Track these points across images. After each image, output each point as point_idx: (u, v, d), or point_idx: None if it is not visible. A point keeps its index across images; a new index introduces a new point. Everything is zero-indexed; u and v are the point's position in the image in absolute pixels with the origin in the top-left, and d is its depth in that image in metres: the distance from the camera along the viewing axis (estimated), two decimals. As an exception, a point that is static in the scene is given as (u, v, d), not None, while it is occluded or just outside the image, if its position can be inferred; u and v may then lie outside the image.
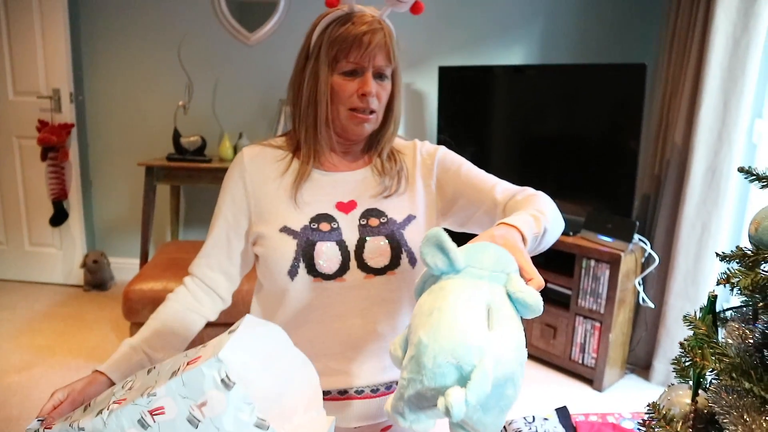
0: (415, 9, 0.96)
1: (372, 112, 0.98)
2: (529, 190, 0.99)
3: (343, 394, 1.01)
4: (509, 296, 0.66)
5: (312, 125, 1.01)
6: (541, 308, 0.65)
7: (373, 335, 1.00)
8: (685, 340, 0.75)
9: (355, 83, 0.96)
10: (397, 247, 0.98)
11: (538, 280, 0.71)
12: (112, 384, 0.94)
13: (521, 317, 0.66)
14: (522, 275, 0.71)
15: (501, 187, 1.01)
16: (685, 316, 0.75)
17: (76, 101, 3.29)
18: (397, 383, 1.03)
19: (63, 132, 3.19)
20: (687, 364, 0.77)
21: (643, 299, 2.47)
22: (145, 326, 1.01)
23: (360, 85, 0.95)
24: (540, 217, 0.87)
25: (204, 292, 1.06)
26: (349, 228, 0.99)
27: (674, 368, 0.80)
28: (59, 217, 3.30)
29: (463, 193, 1.04)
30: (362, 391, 1.01)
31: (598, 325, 2.38)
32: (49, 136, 3.12)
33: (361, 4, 0.97)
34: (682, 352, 0.74)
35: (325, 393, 0.99)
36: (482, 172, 1.06)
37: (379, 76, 0.97)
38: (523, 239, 0.79)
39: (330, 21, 0.97)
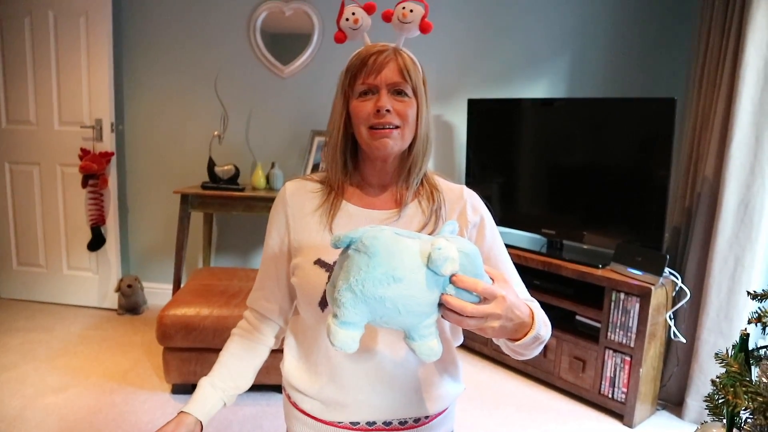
0: (423, 29, 1.00)
1: (395, 127, 0.98)
2: (536, 304, 0.98)
3: (371, 425, 1.02)
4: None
5: (332, 154, 1.06)
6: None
7: (401, 369, 1.00)
8: (717, 378, 0.75)
9: (371, 102, 0.98)
10: None
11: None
12: (199, 423, 1.01)
13: None
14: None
15: (517, 290, 1.01)
16: (716, 354, 0.75)
17: (117, 131, 3.43)
18: (426, 417, 1.05)
19: (103, 160, 3.31)
20: (720, 402, 0.77)
21: (674, 334, 2.44)
22: (218, 363, 1.09)
23: (374, 102, 0.98)
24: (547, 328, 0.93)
25: (263, 323, 1.13)
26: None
27: (707, 405, 0.80)
28: (97, 242, 3.40)
29: None
30: (390, 423, 1.02)
31: (628, 359, 2.35)
32: (90, 164, 3.25)
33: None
34: (714, 390, 0.75)
35: (354, 423, 1.02)
36: (508, 261, 1.07)
37: (397, 92, 0.99)
38: (533, 318, 0.87)
39: (350, 58, 1.03)
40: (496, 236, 1.07)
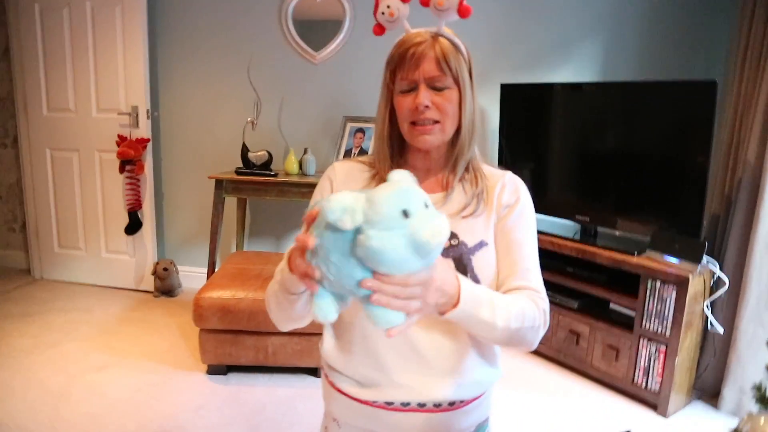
0: (462, 13, 0.99)
1: (435, 122, 0.99)
2: (534, 295, 0.97)
3: (405, 406, 1.03)
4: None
5: (379, 144, 1.08)
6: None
7: (436, 352, 1.01)
8: None
9: (411, 98, 0.99)
10: (463, 272, 0.98)
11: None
12: None
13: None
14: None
15: (526, 275, 0.99)
16: None
17: (152, 117, 3.49)
18: (462, 401, 1.05)
19: (140, 146, 3.38)
20: (770, 390, 0.76)
21: (711, 323, 2.39)
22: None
23: (414, 98, 0.98)
24: (499, 310, 0.88)
25: None
26: None
27: (755, 395, 0.79)
28: (134, 226, 3.49)
29: (498, 246, 1.03)
30: (424, 405, 1.02)
31: (663, 348, 2.32)
32: (127, 150, 3.32)
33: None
34: None
35: (388, 403, 1.02)
36: (529, 247, 1.03)
37: (436, 87, 0.99)
38: (457, 302, 0.83)
39: (392, 48, 1.03)
40: (523, 220, 1.04)
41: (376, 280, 0.70)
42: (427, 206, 0.69)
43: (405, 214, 0.67)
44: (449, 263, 0.99)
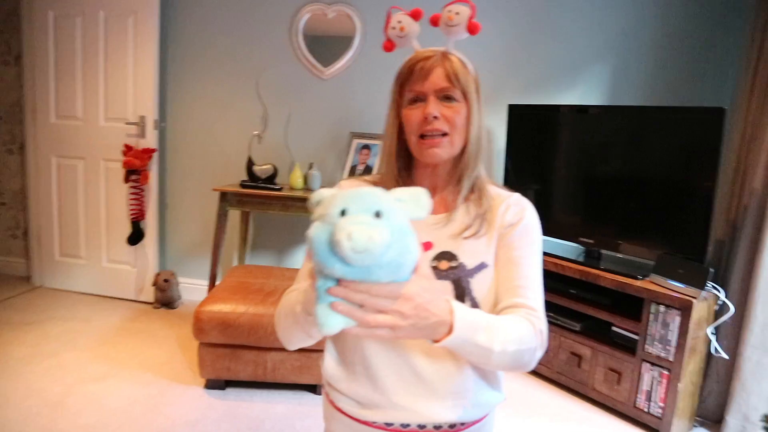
0: (471, 30, 1.00)
1: (444, 135, 0.99)
2: (530, 314, 0.95)
3: (405, 427, 1.02)
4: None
5: (387, 161, 1.08)
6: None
7: (437, 374, 1.00)
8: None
9: (419, 110, 0.99)
10: (461, 294, 0.97)
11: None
12: None
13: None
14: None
15: (523, 292, 0.97)
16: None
17: (159, 128, 3.50)
18: (462, 424, 1.04)
19: (146, 156, 3.39)
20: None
21: (715, 349, 2.37)
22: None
23: (423, 109, 0.99)
24: (494, 335, 0.86)
25: None
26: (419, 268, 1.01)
27: (765, 425, 0.77)
28: (136, 236, 3.48)
29: (497, 264, 1.02)
30: (424, 426, 1.01)
31: (666, 373, 2.30)
32: (133, 160, 3.33)
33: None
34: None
35: (388, 424, 1.01)
36: (531, 267, 1.01)
37: (446, 98, 0.99)
38: (451, 328, 0.81)
39: (401, 64, 1.04)
40: (524, 239, 1.03)
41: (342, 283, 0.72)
42: (378, 215, 0.70)
43: (342, 213, 0.69)
44: (445, 285, 0.98)
